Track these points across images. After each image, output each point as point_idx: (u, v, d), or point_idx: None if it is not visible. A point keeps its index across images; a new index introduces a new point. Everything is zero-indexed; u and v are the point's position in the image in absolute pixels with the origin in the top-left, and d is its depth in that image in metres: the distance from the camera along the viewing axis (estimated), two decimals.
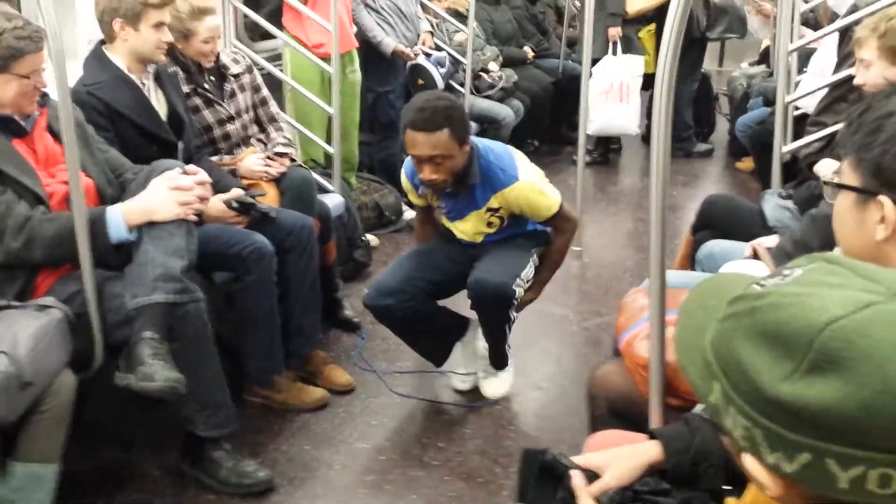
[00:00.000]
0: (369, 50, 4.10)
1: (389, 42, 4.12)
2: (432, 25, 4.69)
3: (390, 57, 4.15)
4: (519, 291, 2.49)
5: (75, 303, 2.02)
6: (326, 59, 3.59)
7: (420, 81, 4.31)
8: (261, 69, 3.34)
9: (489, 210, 2.55)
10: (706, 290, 0.82)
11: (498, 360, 2.71)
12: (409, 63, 4.30)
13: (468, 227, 2.63)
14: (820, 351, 0.64)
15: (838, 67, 3.15)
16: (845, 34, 3.17)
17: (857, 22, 2.82)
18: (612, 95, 5.07)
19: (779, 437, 0.66)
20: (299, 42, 3.72)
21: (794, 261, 0.75)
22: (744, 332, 0.69)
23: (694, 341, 0.76)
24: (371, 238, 3.84)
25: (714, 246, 2.54)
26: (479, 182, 2.49)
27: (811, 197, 2.53)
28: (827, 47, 3.69)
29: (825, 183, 1.15)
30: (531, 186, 2.51)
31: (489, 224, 2.60)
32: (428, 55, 4.39)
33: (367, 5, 4.14)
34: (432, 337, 2.72)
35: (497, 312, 2.52)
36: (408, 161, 2.60)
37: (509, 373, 2.75)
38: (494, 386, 2.73)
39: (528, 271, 2.56)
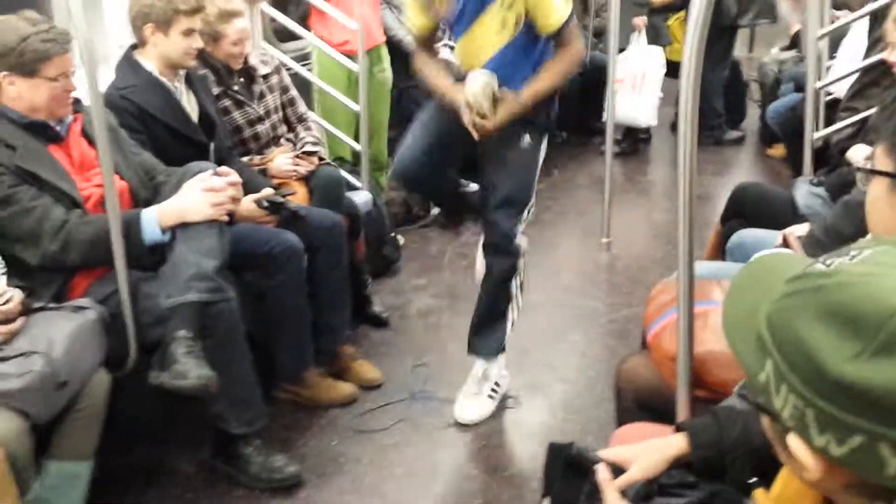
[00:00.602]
0: (392, 47, 4.11)
1: (411, 40, 4.12)
2: None
3: (399, 44, 4.14)
4: (521, 244, 2.50)
5: (111, 303, 2.07)
6: (352, 56, 3.61)
7: None
8: (289, 69, 3.38)
9: (502, 3, 2.39)
10: (759, 268, 0.81)
11: (477, 342, 2.59)
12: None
13: (480, 38, 2.46)
14: (892, 332, 0.63)
15: (869, 52, 3.10)
16: (877, 18, 3.11)
17: (888, 5, 2.77)
18: (626, 86, 5.04)
19: (832, 419, 0.66)
20: (325, 41, 3.75)
21: (859, 242, 0.74)
22: (809, 309, 0.68)
23: (744, 318, 0.75)
24: (399, 238, 3.86)
25: (745, 235, 2.51)
26: None
27: (843, 183, 2.49)
28: (857, 32, 3.63)
29: (858, 169, 1.13)
30: None
31: (503, 25, 2.42)
32: (452, 48, 4.38)
33: (388, 3, 4.15)
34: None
35: (503, 264, 2.50)
36: None
37: (490, 400, 2.61)
38: (468, 410, 2.58)
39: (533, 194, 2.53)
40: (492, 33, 2.45)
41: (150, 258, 2.15)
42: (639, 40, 5.23)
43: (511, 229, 2.45)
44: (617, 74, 4.86)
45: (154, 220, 2.12)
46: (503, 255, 2.49)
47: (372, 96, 3.75)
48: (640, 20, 5.11)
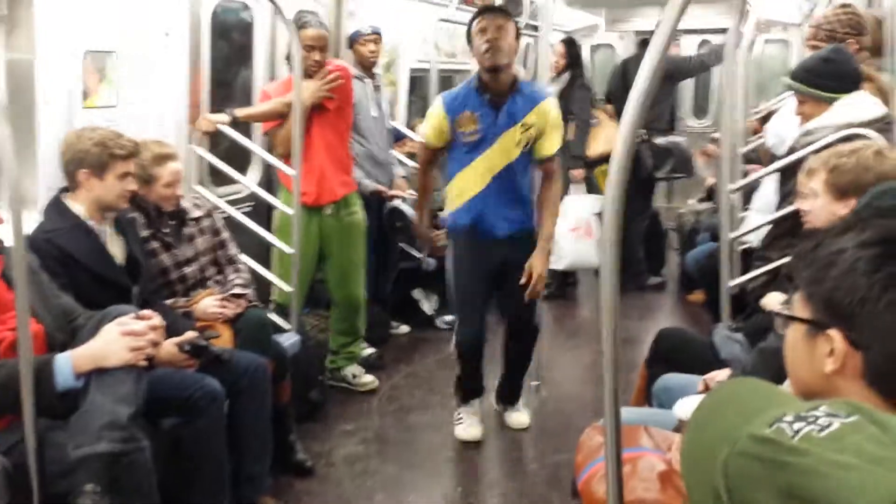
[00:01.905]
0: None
1: (368, 183, 4.22)
2: (407, 172, 4.81)
3: (367, 196, 4.21)
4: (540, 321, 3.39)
5: (15, 453, 1.95)
6: (312, 207, 3.68)
7: (398, 224, 4.39)
8: (221, 212, 3.40)
9: (523, 126, 3.07)
10: (722, 399, 0.80)
11: (516, 394, 3.52)
12: (387, 206, 4.40)
13: (494, 156, 3.10)
14: None
15: (780, 205, 3.30)
16: (784, 174, 3.33)
17: (797, 162, 2.96)
18: (581, 232, 5.28)
19: None
20: (287, 189, 3.71)
21: (828, 404, 0.73)
22: (771, 485, 0.67)
23: (703, 457, 0.74)
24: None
25: (669, 380, 2.55)
26: (521, 91, 3.09)
27: (760, 330, 2.57)
28: (769, 185, 3.87)
29: (776, 314, 1.15)
30: (556, 113, 3.15)
31: (517, 144, 3.09)
32: (404, 199, 4.49)
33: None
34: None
35: (528, 343, 3.40)
36: (445, 93, 3.24)
37: (525, 408, 3.57)
38: (518, 417, 3.51)
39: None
40: (508, 148, 3.10)
41: (61, 405, 2.04)
42: (578, 190, 5.49)
43: (535, 315, 3.35)
44: (567, 223, 5.22)
45: (68, 366, 2.04)
46: (532, 332, 3.38)
47: (342, 239, 3.82)
48: (579, 172, 5.39)
